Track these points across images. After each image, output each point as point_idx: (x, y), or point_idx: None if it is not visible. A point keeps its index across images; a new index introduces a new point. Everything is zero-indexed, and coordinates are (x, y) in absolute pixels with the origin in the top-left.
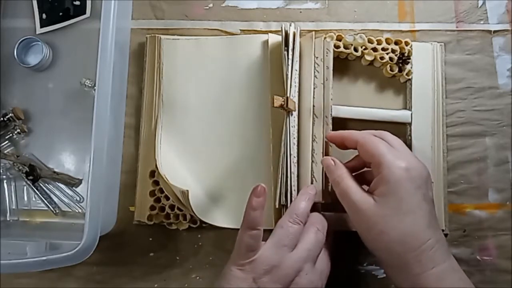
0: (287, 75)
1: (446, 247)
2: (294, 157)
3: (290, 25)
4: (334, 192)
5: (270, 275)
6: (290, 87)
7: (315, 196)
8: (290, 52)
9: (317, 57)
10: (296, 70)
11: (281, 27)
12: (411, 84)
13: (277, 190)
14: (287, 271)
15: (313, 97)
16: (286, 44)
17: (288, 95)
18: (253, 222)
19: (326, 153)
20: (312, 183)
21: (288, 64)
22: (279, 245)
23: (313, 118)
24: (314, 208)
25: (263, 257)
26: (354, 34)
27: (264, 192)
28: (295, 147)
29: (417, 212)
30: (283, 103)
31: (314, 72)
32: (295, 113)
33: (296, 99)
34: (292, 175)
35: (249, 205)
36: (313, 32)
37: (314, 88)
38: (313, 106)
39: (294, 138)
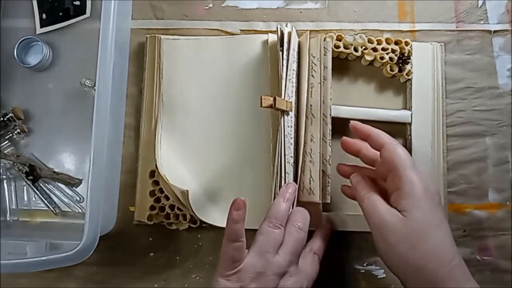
0: (281, 75)
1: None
2: (291, 157)
3: (286, 25)
4: (332, 192)
5: (256, 282)
6: (285, 87)
7: (295, 193)
8: (285, 52)
9: (314, 57)
10: (293, 70)
11: (277, 27)
12: (411, 84)
13: (272, 189)
14: (272, 277)
15: (310, 97)
16: (281, 44)
17: (282, 95)
18: (235, 234)
19: (324, 153)
20: (310, 183)
21: (282, 65)
22: (262, 251)
23: (310, 117)
24: (314, 208)
25: (247, 266)
26: (354, 34)
27: (243, 205)
28: (292, 147)
29: (443, 227)
30: (271, 103)
31: (311, 71)
32: (291, 113)
33: (293, 99)
34: (287, 175)
35: (230, 218)
36: (308, 32)
37: (311, 88)
38: (310, 105)
39: (291, 138)
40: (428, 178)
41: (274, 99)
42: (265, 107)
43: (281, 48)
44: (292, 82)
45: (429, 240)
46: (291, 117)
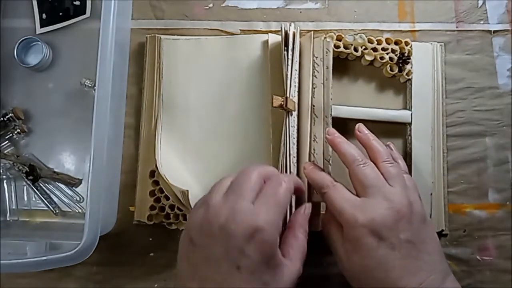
0: (286, 75)
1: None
2: (294, 157)
3: (290, 25)
4: None
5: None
6: (290, 87)
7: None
8: (290, 52)
9: (316, 57)
10: (296, 70)
11: (281, 27)
12: (411, 84)
13: None
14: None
15: (313, 97)
16: (286, 44)
17: (287, 95)
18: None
19: (325, 152)
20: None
21: (287, 64)
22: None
23: (313, 117)
24: (315, 208)
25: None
26: (354, 34)
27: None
28: (295, 147)
29: (385, 264)
30: (282, 103)
31: (314, 72)
32: (294, 113)
33: (296, 99)
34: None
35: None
36: (312, 32)
37: (313, 88)
38: (313, 105)
39: (294, 138)
40: (382, 206)
41: (286, 99)
42: (275, 107)
43: (285, 48)
44: (295, 82)
45: (368, 283)
46: (294, 117)
